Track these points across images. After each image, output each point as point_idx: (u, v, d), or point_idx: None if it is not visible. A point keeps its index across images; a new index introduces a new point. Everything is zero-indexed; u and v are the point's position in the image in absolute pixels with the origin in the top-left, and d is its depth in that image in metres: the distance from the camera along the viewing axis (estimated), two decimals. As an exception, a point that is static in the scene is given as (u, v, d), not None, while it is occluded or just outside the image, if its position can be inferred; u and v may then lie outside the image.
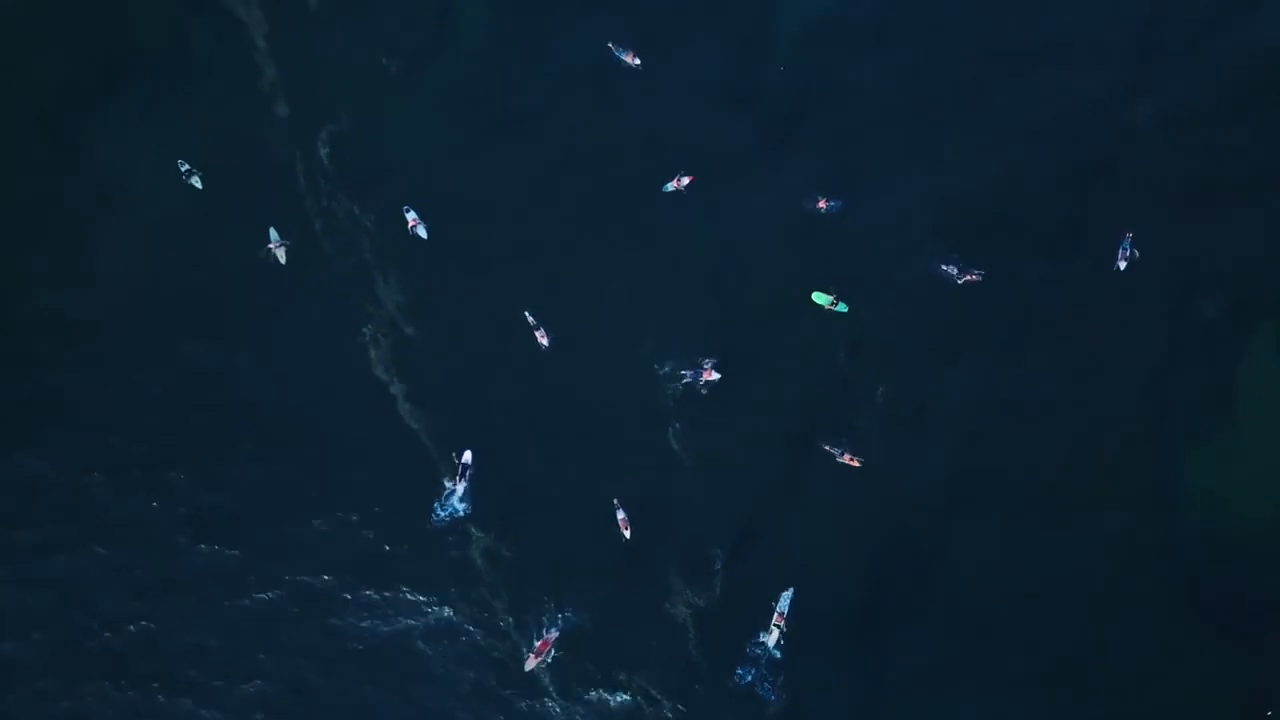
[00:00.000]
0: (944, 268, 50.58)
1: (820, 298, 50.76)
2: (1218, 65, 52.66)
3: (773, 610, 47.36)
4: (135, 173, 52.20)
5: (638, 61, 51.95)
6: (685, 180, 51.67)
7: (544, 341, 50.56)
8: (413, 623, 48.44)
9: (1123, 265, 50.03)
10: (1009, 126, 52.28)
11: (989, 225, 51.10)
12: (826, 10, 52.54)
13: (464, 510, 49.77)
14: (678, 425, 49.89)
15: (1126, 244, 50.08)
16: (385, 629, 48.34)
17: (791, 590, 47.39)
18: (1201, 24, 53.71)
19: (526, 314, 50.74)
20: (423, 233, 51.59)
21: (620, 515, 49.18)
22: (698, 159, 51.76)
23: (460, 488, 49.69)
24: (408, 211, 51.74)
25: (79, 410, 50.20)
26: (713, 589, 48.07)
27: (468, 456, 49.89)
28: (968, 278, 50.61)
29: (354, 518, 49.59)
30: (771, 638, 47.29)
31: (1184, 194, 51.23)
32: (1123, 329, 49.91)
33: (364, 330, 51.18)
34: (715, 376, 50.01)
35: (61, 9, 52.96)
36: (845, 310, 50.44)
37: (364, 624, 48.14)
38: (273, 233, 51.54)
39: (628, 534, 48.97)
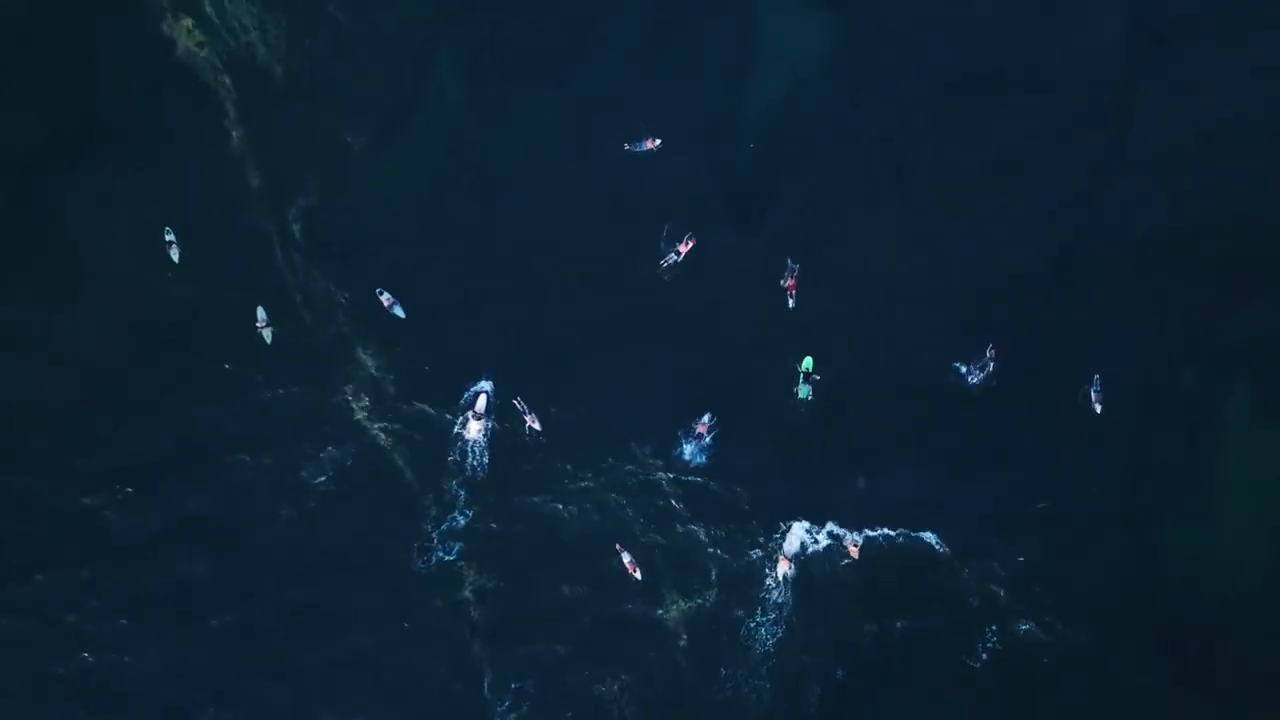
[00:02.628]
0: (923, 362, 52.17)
1: (808, 363, 51.63)
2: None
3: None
4: (107, 244, 52.20)
5: (658, 143, 52.63)
6: (689, 244, 51.91)
7: (535, 426, 51.86)
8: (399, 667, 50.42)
9: (1098, 408, 50.92)
10: (987, 208, 53.14)
11: (964, 317, 52.42)
12: (799, 85, 53.08)
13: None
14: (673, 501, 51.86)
15: (1096, 385, 50.96)
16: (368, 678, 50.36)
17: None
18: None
19: (516, 400, 52.11)
20: (400, 312, 52.68)
21: (626, 558, 50.91)
22: (675, 232, 52.92)
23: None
24: (381, 294, 52.63)
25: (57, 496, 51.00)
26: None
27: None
28: (981, 367, 51.66)
29: (343, 566, 50.97)
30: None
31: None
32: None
33: (345, 389, 52.12)
34: (708, 437, 51.84)
35: (30, 78, 52.37)
36: (806, 395, 51.41)
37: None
38: (260, 312, 52.13)
39: (638, 575, 50.89)
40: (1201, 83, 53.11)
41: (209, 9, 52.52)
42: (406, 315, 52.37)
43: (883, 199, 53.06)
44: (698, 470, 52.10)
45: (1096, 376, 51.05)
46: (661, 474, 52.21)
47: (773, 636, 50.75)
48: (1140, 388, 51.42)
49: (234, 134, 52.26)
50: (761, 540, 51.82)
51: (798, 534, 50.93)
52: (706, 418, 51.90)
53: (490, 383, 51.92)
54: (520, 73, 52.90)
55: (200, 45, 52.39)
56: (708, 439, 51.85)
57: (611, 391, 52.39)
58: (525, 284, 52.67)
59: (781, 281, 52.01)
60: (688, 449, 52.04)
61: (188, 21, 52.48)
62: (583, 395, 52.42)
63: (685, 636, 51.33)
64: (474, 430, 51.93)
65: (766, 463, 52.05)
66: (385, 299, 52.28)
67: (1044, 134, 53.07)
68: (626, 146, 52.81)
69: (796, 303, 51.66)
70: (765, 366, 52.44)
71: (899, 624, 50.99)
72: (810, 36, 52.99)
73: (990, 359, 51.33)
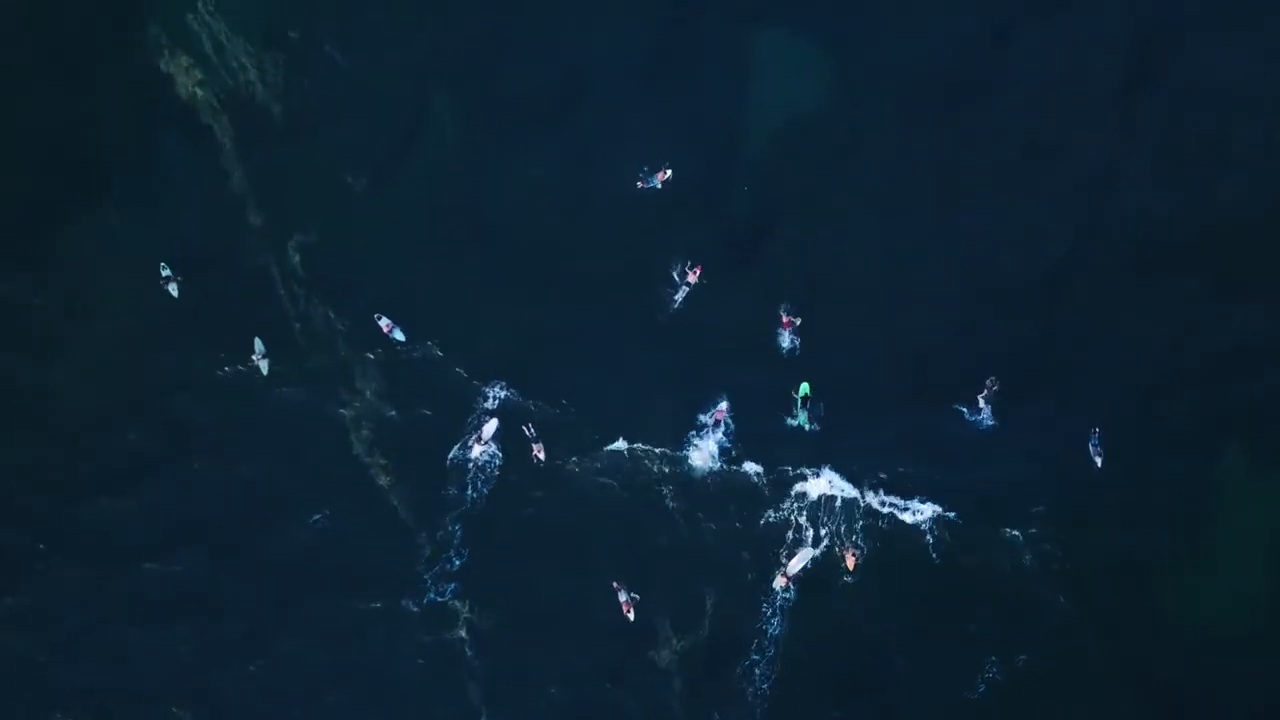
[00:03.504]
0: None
1: (805, 389, 51.10)
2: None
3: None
4: (103, 280, 52.48)
5: (669, 174, 52.40)
6: (696, 272, 51.85)
7: (540, 456, 51.61)
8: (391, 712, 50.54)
9: (1099, 462, 49.94)
10: (983, 240, 52.82)
11: (962, 358, 51.97)
12: (796, 124, 53.11)
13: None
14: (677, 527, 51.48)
15: (1095, 438, 49.96)
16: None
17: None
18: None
19: (526, 427, 51.82)
20: (400, 335, 52.45)
21: (622, 597, 50.36)
22: (671, 273, 52.82)
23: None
24: (380, 319, 52.45)
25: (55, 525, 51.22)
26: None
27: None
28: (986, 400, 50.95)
29: (335, 599, 50.99)
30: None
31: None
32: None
33: (343, 420, 52.12)
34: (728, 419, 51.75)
35: (27, 115, 53.06)
36: (804, 422, 51.29)
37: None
38: (257, 343, 52.19)
39: (632, 616, 50.33)
40: (1204, 88, 52.74)
41: (208, 48, 53.04)
42: (407, 338, 52.17)
43: (880, 233, 53.05)
44: (697, 494, 51.70)
45: (1096, 430, 50.19)
46: (662, 502, 51.75)
47: (767, 679, 50.25)
48: (1138, 435, 50.77)
49: (233, 172, 52.60)
50: (759, 562, 51.36)
51: (800, 556, 50.61)
52: (724, 405, 51.59)
53: (497, 419, 51.72)
54: (518, 112, 53.03)
55: (199, 84, 52.88)
56: (720, 432, 51.66)
57: (615, 420, 52.09)
58: (527, 314, 52.52)
59: (779, 324, 52.11)
60: (695, 452, 51.77)
61: (186, 60, 52.96)
62: (587, 422, 52.12)
63: (679, 680, 50.40)
64: (476, 452, 51.67)
65: (761, 491, 51.73)
66: (384, 324, 52.13)
67: (1043, 172, 52.81)
68: (640, 185, 52.59)
69: (793, 343, 51.89)
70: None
71: (897, 659, 50.53)
72: (807, 77, 52.97)
73: (991, 391, 51.53)
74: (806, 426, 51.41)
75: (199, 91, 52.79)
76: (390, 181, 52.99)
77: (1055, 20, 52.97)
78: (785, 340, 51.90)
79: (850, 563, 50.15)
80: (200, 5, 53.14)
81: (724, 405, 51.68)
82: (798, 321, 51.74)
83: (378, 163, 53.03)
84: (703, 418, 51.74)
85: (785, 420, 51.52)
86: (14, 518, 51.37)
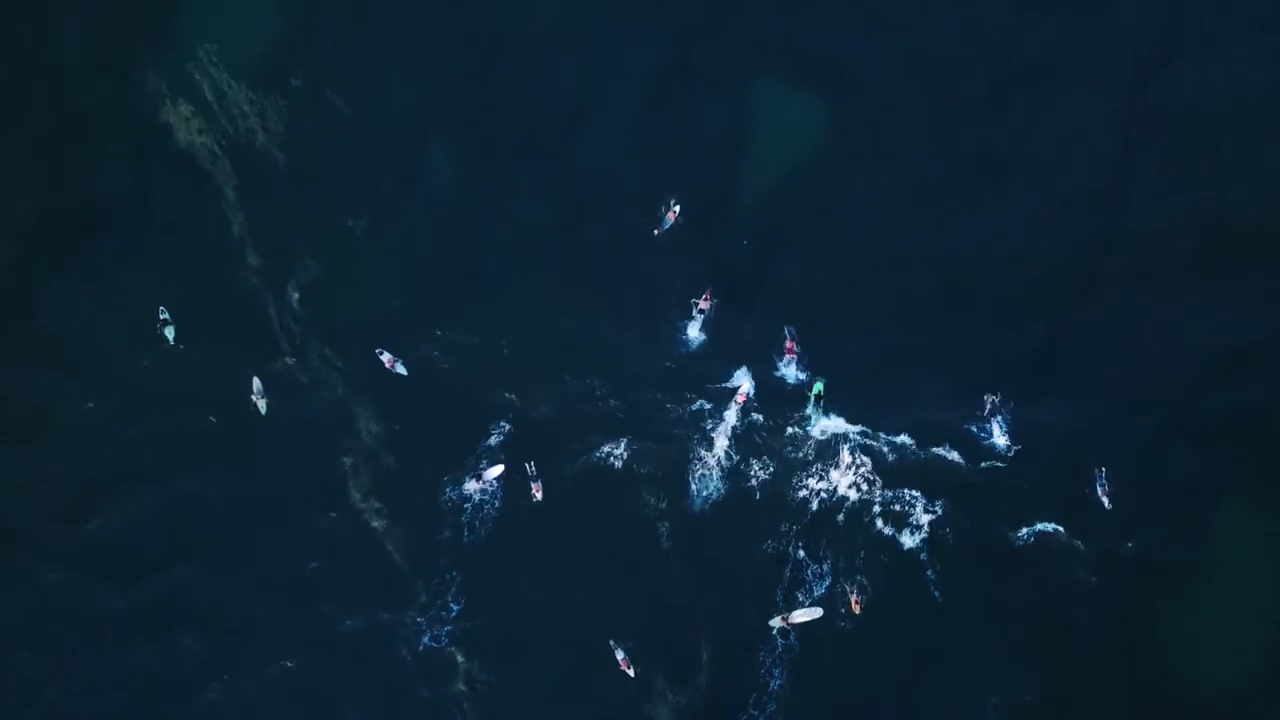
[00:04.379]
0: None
1: (819, 387, 51.25)
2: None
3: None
4: (101, 325, 52.54)
5: (678, 210, 52.80)
6: (706, 298, 52.05)
7: (538, 496, 51.23)
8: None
9: (1106, 502, 49.99)
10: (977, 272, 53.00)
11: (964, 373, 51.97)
12: (793, 167, 53.77)
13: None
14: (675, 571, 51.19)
15: (1102, 478, 50.02)
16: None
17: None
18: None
19: (528, 465, 51.55)
20: (402, 369, 52.41)
21: (620, 655, 49.69)
22: (671, 326, 53.10)
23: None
24: (381, 354, 52.38)
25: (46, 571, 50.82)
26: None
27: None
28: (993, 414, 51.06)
29: (328, 645, 50.41)
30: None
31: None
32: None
33: (343, 461, 51.72)
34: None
35: (27, 163, 53.55)
36: (818, 418, 51.15)
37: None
38: (255, 382, 52.03)
39: (631, 672, 49.55)
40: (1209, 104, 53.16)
41: (208, 96, 53.66)
42: (409, 373, 52.11)
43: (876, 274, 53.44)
44: (695, 532, 51.33)
45: (1101, 469, 50.16)
46: (659, 542, 51.37)
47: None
48: (1140, 473, 50.72)
49: (232, 215, 53.02)
50: (759, 602, 50.92)
51: (805, 613, 50.17)
52: (748, 386, 51.63)
53: (502, 464, 51.56)
54: (517, 153, 53.65)
55: (199, 131, 53.47)
56: (717, 473, 51.48)
57: (615, 458, 51.76)
58: (529, 349, 52.62)
59: (783, 350, 52.22)
60: (695, 502, 51.43)
61: (186, 108, 53.52)
62: (587, 461, 51.84)
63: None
64: (474, 493, 51.30)
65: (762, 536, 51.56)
66: (386, 358, 52.11)
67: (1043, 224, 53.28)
68: (655, 232, 52.93)
69: (798, 366, 51.97)
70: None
71: (899, 706, 50.14)
72: (803, 115, 53.76)
73: (993, 406, 51.49)
74: (817, 422, 51.43)
75: (199, 138, 53.34)
76: (390, 221, 53.43)
77: (1052, 81, 53.79)
78: (790, 367, 52.23)
79: (855, 607, 49.79)
80: (201, 55, 53.91)
81: (748, 386, 51.73)
82: (798, 350, 52.05)
83: (378, 203, 53.50)
84: (702, 452, 51.76)
85: (799, 417, 51.66)
86: (11, 538, 51.03)
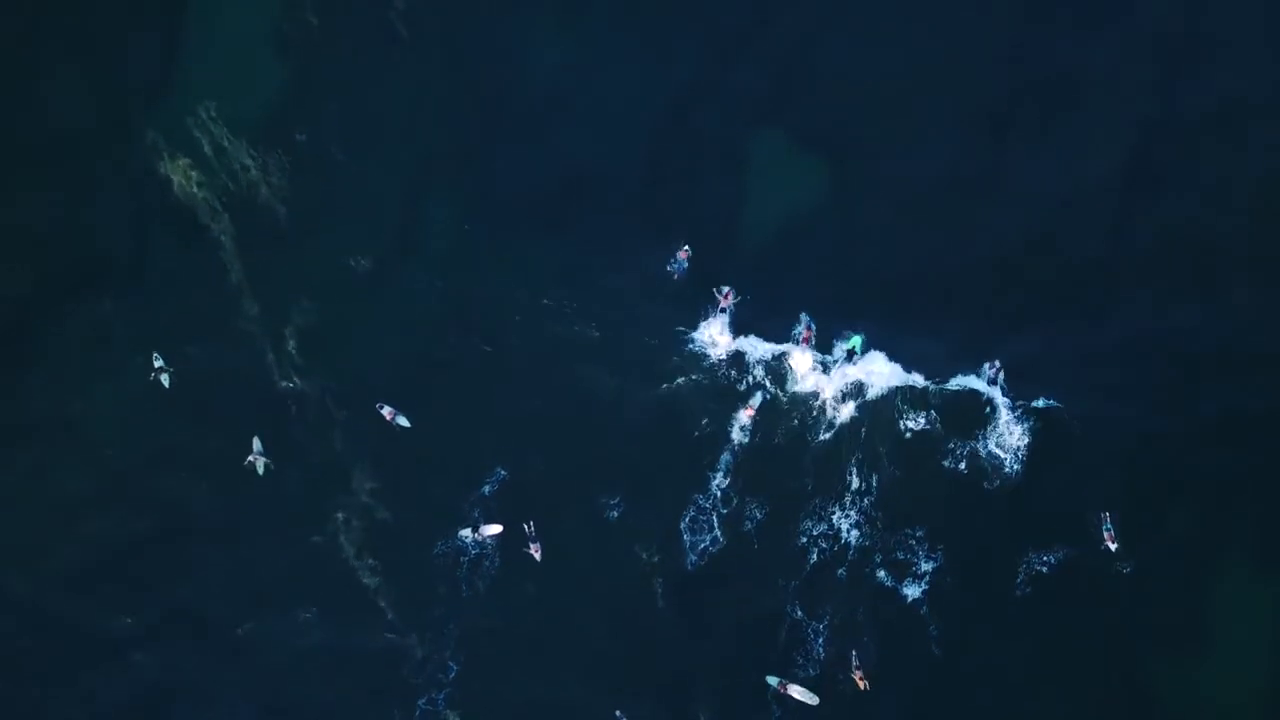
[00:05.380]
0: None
1: (856, 341, 51.32)
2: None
3: None
4: (96, 376, 52.13)
5: (688, 250, 52.78)
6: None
7: (536, 556, 50.82)
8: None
9: (1113, 546, 49.96)
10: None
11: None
12: (792, 226, 53.73)
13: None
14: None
15: (1108, 523, 50.05)
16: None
17: None
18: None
19: (527, 525, 51.15)
20: (404, 422, 52.04)
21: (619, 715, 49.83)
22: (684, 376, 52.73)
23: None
24: (382, 408, 52.11)
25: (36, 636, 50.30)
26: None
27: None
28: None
29: (320, 707, 50.20)
30: None
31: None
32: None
33: (335, 518, 51.44)
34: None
35: (22, 215, 53.21)
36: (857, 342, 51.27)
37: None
38: (255, 442, 51.59)
39: None
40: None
41: (208, 151, 53.62)
42: (411, 425, 51.76)
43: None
44: (692, 589, 51.07)
45: (1105, 514, 50.06)
46: (654, 601, 51.10)
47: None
48: (1141, 524, 50.64)
49: (230, 267, 52.78)
50: (757, 666, 50.62)
51: (801, 693, 49.69)
52: (756, 400, 51.35)
53: (500, 524, 51.20)
54: (517, 210, 53.71)
55: (198, 185, 53.32)
56: (713, 522, 51.19)
57: (615, 519, 51.59)
58: (530, 402, 52.47)
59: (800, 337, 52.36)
60: (690, 557, 51.09)
61: (185, 162, 53.48)
62: (585, 518, 51.57)
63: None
64: (471, 552, 50.82)
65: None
66: (387, 412, 51.81)
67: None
68: (672, 273, 52.89)
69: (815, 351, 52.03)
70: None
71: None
72: (803, 176, 53.84)
73: (998, 369, 51.23)
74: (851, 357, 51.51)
75: (198, 192, 53.20)
76: (390, 274, 53.23)
77: (1051, 125, 53.59)
78: (807, 353, 52.00)
79: (861, 683, 49.42)
80: (201, 111, 53.91)
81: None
82: (815, 337, 51.93)
83: (378, 256, 53.34)
84: (699, 498, 51.44)
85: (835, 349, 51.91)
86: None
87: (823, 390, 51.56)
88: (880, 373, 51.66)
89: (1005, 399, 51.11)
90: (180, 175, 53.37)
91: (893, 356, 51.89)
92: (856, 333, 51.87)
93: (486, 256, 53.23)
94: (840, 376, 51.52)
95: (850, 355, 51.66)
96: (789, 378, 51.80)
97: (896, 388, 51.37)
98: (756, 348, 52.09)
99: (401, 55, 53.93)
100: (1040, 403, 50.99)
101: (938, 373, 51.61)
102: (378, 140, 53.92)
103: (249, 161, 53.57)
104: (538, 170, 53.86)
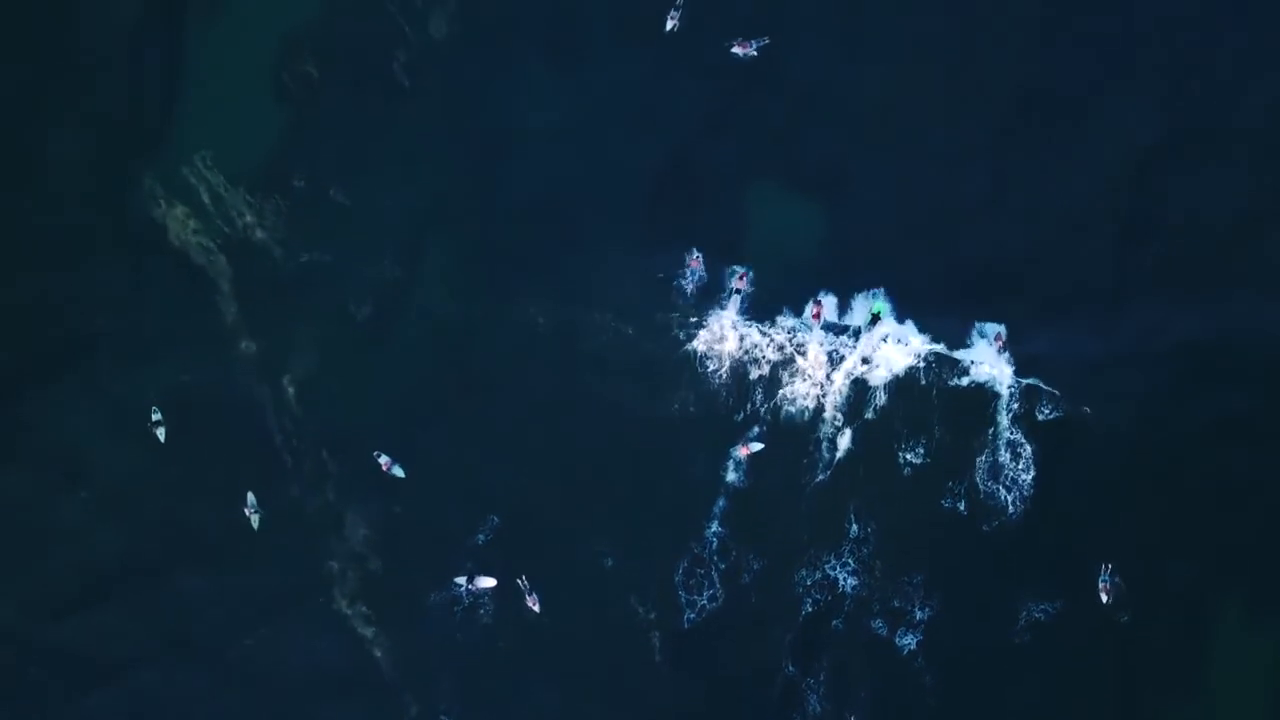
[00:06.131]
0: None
1: (880, 307, 51.06)
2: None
3: None
4: (92, 428, 52.13)
5: (699, 257, 52.53)
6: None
7: (535, 608, 50.67)
8: None
9: (1105, 599, 49.92)
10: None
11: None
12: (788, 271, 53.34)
13: None
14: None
15: (1106, 575, 50.06)
16: None
17: None
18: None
19: (520, 580, 51.01)
20: (399, 472, 51.91)
21: None
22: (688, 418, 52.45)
23: None
24: (379, 457, 51.92)
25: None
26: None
27: None
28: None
29: None
30: None
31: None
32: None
33: (329, 569, 51.26)
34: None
35: (17, 263, 53.32)
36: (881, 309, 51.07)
37: None
38: (250, 497, 51.49)
39: None
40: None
41: (205, 198, 53.60)
42: (406, 474, 51.69)
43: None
44: (688, 646, 50.97)
45: (1107, 566, 49.94)
46: (652, 655, 51.00)
47: None
48: (1140, 579, 50.47)
49: (227, 313, 52.76)
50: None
51: None
52: (758, 446, 51.17)
53: (494, 577, 51.05)
54: (515, 257, 53.71)
55: (195, 232, 53.32)
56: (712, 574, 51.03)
57: (611, 567, 51.45)
58: (522, 460, 52.36)
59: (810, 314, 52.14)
60: (686, 613, 50.93)
61: (182, 210, 53.47)
62: (582, 567, 51.45)
63: None
64: (467, 603, 50.60)
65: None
66: (383, 461, 51.74)
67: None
68: (688, 284, 52.77)
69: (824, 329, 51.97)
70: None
71: None
72: (797, 221, 53.61)
73: (1002, 343, 51.07)
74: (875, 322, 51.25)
75: (194, 239, 53.17)
76: (387, 324, 53.19)
77: (1043, 158, 53.50)
78: (816, 330, 51.82)
79: None
80: (197, 160, 53.93)
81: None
82: (825, 314, 51.64)
83: (375, 305, 53.29)
84: (694, 547, 51.27)
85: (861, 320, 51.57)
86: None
87: (823, 409, 51.31)
88: (880, 375, 51.34)
89: (1006, 418, 50.97)
90: (176, 223, 53.28)
91: (893, 355, 51.55)
92: (879, 301, 51.44)
93: (484, 305, 53.17)
94: (844, 377, 51.19)
95: (874, 320, 51.18)
96: (786, 406, 51.58)
97: (895, 413, 51.14)
98: (762, 346, 51.71)
99: (403, 103, 54.10)
100: (1041, 415, 50.80)
101: (939, 375, 51.34)
102: (374, 188, 53.96)
103: (245, 208, 53.38)
104: (536, 216, 53.87)
